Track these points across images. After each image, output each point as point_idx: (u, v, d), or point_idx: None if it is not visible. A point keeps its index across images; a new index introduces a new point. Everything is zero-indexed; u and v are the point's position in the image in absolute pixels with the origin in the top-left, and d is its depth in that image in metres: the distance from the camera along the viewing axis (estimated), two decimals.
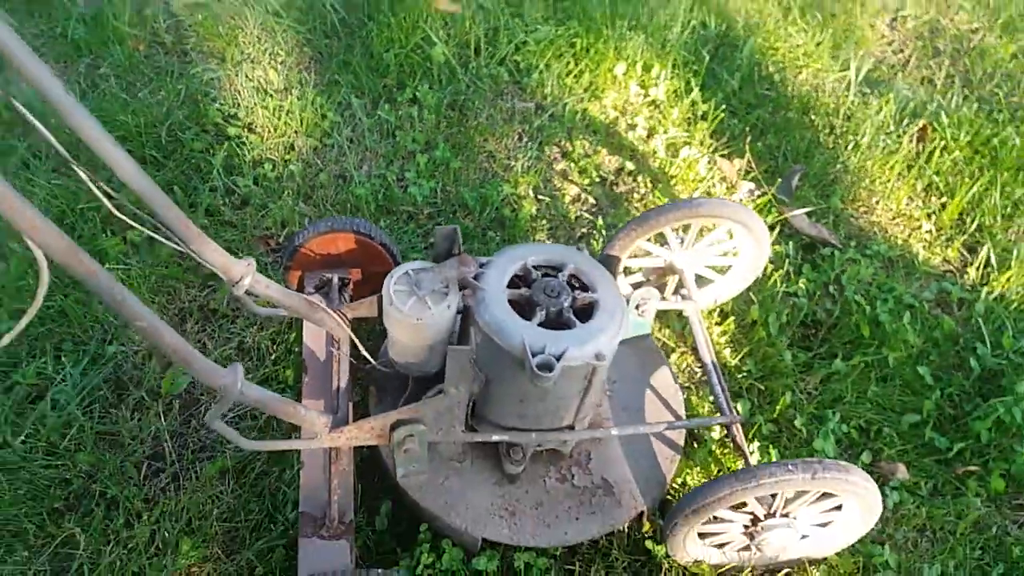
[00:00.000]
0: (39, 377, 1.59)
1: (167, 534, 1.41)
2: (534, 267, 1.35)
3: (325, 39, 2.42)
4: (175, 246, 1.18)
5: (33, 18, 2.41)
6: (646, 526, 1.48)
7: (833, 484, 1.27)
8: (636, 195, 2.13)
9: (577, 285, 1.35)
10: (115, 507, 1.45)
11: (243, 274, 1.27)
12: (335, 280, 1.61)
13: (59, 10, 2.42)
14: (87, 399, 1.57)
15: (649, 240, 1.69)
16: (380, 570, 1.21)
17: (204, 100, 2.15)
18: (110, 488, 1.46)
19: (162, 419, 1.57)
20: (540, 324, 1.26)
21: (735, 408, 1.59)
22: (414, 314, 1.26)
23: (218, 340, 1.70)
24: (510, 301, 1.29)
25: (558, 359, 1.20)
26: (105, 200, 1.06)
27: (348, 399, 1.44)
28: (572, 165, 2.17)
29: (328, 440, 1.33)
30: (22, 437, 1.50)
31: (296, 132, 2.13)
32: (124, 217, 1.10)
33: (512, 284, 1.32)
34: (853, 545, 1.45)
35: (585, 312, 1.30)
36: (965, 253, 2.06)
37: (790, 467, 1.26)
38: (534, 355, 1.20)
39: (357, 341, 1.42)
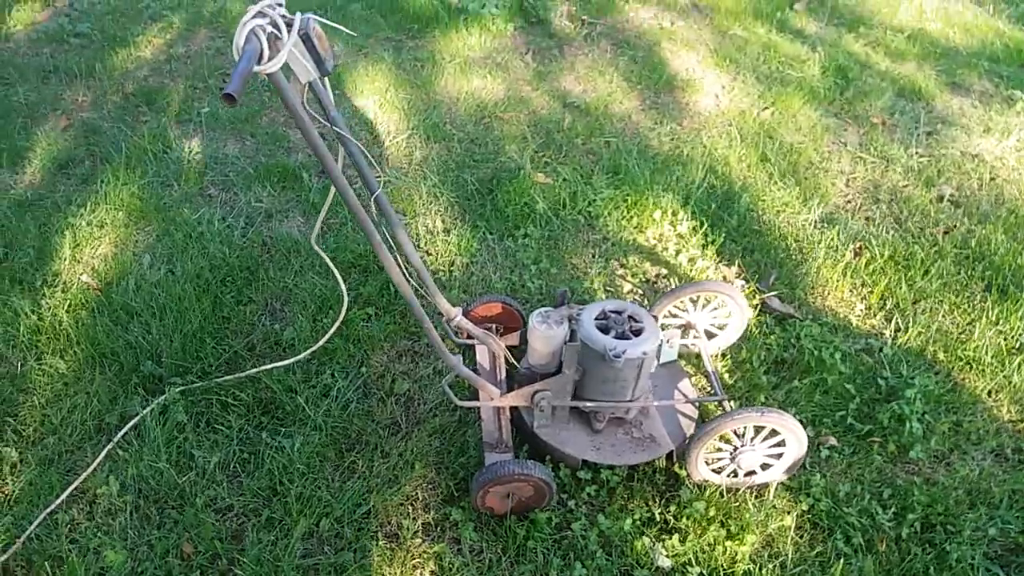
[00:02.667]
0: (324, 385, 2.67)
1: (406, 460, 2.42)
2: (609, 311, 2.39)
3: (467, 200, 3.61)
4: (424, 295, 2.29)
5: (285, 190, 3.68)
6: (675, 463, 2.42)
7: (774, 420, 2.21)
8: (669, 289, 3.17)
9: (632, 319, 2.38)
10: (376, 448, 2.47)
11: (456, 315, 2.38)
12: (493, 327, 2.69)
13: (303, 184, 3.69)
14: (351, 396, 2.64)
15: (675, 307, 2.74)
16: (532, 460, 2.20)
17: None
18: (372, 439, 2.49)
19: (394, 406, 2.61)
20: (614, 337, 2.29)
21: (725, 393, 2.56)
22: (547, 331, 2.31)
23: (420, 364, 2.76)
24: (596, 326, 2.33)
25: (623, 352, 2.22)
26: (403, 271, 2.19)
27: (506, 384, 2.47)
28: (627, 272, 3.25)
29: (499, 401, 2.35)
30: (323, 411, 2.55)
31: (456, 254, 3.27)
32: (409, 279, 2.22)
33: (597, 319, 2.37)
34: (798, 473, 2.37)
35: (637, 333, 2.32)
36: (884, 322, 3.03)
37: (748, 409, 2.21)
38: (610, 350, 2.23)
39: (509, 355, 2.49)
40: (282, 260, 3.20)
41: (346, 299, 2.35)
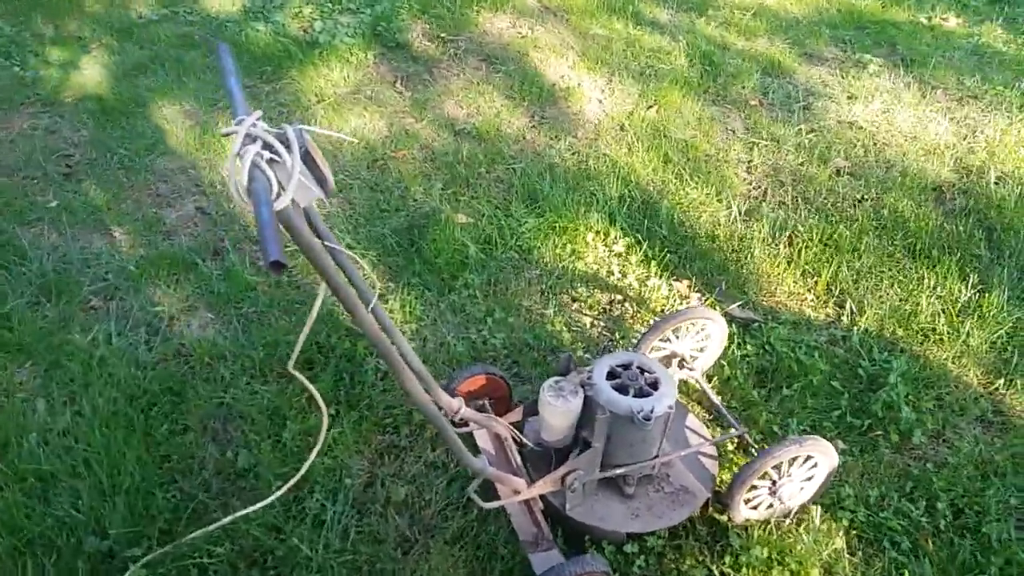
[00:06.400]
0: (312, 515, 2.31)
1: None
2: (616, 366, 2.22)
3: (389, 256, 3.29)
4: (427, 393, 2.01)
5: (180, 284, 3.18)
6: (710, 509, 2.31)
7: (811, 448, 2.14)
8: (628, 314, 3.04)
9: (643, 371, 2.22)
10: None
11: (459, 407, 2.11)
12: (486, 403, 2.44)
13: (200, 272, 3.20)
14: (348, 520, 2.29)
15: (659, 340, 2.61)
16: (588, 555, 1.99)
17: (330, 311, 2.97)
18: (386, 566, 2.17)
19: (396, 518, 2.30)
20: (634, 396, 2.12)
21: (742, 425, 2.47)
22: (564, 405, 2.09)
23: (407, 461, 2.46)
24: (612, 387, 2.14)
25: (652, 410, 2.06)
26: (410, 373, 1.90)
27: (524, 470, 2.24)
28: (582, 304, 3.09)
29: (528, 492, 2.12)
30: (321, 546, 2.20)
31: (402, 322, 2.95)
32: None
33: (609, 379, 2.19)
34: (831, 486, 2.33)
35: (653, 385, 2.17)
36: (837, 309, 3.07)
37: (788, 442, 2.14)
38: (638, 413, 2.05)
39: (518, 434, 2.25)
40: (206, 371, 2.76)
41: (326, 417, 1.99)
